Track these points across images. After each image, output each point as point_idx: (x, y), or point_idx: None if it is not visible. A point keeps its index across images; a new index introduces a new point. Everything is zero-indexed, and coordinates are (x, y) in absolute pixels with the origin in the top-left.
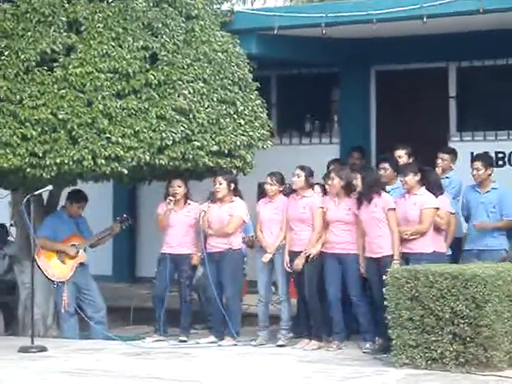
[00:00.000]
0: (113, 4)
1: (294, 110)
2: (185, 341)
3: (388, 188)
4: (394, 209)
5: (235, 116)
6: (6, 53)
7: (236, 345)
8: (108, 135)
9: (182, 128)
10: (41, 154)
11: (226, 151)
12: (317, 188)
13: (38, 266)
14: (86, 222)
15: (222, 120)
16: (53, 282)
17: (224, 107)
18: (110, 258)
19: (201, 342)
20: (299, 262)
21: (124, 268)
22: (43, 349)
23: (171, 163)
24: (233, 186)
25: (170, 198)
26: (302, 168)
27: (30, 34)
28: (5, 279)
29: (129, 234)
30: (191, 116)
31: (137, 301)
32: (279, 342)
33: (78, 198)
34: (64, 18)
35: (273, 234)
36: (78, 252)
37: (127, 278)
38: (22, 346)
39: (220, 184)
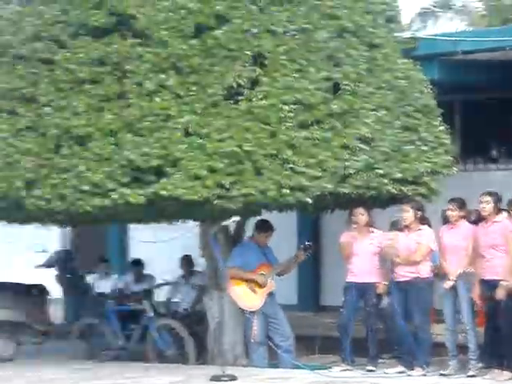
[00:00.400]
0: (296, 36)
1: (478, 135)
2: (373, 370)
3: None
4: None
5: (418, 143)
6: (194, 88)
7: (425, 375)
8: (292, 165)
9: (365, 156)
10: (228, 186)
11: (410, 178)
12: (504, 214)
13: (230, 297)
14: (272, 251)
15: (405, 147)
16: (244, 311)
17: (407, 134)
18: (294, 287)
19: (389, 372)
20: (501, 293)
21: (309, 297)
22: (233, 378)
23: (355, 192)
24: (419, 213)
25: (354, 226)
26: (490, 194)
27: (216, 68)
28: (195, 310)
29: (313, 263)
30: (374, 144)
31: (321, 329)
32: (470, 373)
33: (266, 227)
34: (249, 52)
35: (455, 261)
36: (267, 281)
37: (312, 307)
38: (213, 375)
39: (406, 212)
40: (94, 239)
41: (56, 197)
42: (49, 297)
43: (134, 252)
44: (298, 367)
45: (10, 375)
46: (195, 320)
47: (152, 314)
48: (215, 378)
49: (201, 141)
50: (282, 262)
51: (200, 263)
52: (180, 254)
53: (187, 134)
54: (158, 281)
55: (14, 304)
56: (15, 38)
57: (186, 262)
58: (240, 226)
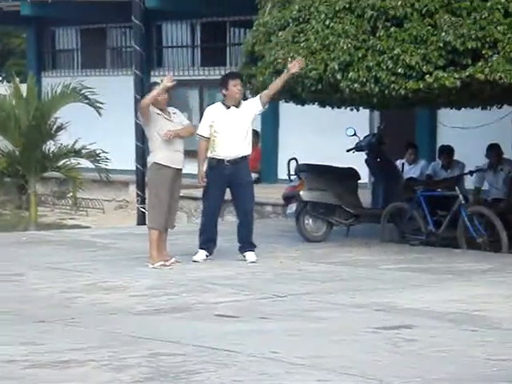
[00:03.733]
0: None
1: None
2: None
3: None
4: None
5: None
6: None
7: None
8: None
9: None
10: None
11: None
12: None
13: None
14: None
15: None
16: None
17: None
18: None
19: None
20: None
21: None
22: None
23: None
24: None
25: None
26: None
27: None
28: (509, 198)
29: None
30: None
31: None
32: None
33: None
34: None
35: None
36: None
37: None
38: None
39: None
40: (403, 124)
41: (371, 79)
42: (359, 181)
43: (443, 138)
44: None
45: (322, 254)
46: (507, 208)
47: (463, 201)
48: None
49: None
50: None
51: (508, 150)
52: (491, 141)
53: (507, 14)
54: (468, 168)
55: (327, 186)
56: None
57: (494, 150)
58: None
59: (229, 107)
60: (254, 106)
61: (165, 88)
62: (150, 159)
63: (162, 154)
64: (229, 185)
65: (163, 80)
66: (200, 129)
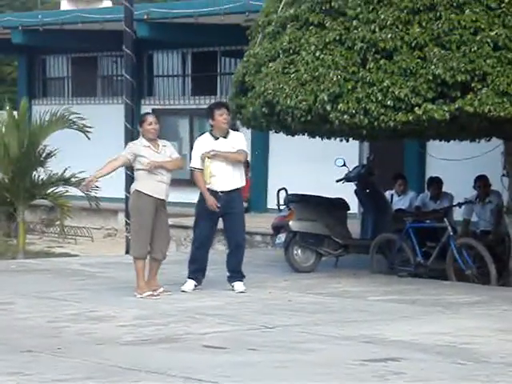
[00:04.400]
0: None
1: None
2: None
3: None
4: None
5: None
6: (507, 0)
7: None
8: None
9: None
10: None
11: None
12: None
13: None
14: None
15: None
16: None
17: None
18: None
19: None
20: None
21: None
22: None
23: None
24: None
25: None
26: None
27: None
28: (496, 230)
29: None
30: None
31: None
32: None
33: None
34: None
35: None
36: None
37: None
38: None
39: None
40: (392, 155)
41: (360, 111)
42: (348, 211)
43: (432, 169)
44: None
45: (311, 284)
46: (495, 240)
47: (452, 233)
48: None
49: (511, 55)
50: None
51: (496, 183)
52: (479, 173)
53: (497, 47)
54: (457, 200)
55: (317, 217)
56: None
57: (482, 181)
58: None
59: (217, 138)
60: (242, 145)
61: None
62: (133, 186)
63: (145, 183)
64: (221, 215)
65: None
66: (192, 161)
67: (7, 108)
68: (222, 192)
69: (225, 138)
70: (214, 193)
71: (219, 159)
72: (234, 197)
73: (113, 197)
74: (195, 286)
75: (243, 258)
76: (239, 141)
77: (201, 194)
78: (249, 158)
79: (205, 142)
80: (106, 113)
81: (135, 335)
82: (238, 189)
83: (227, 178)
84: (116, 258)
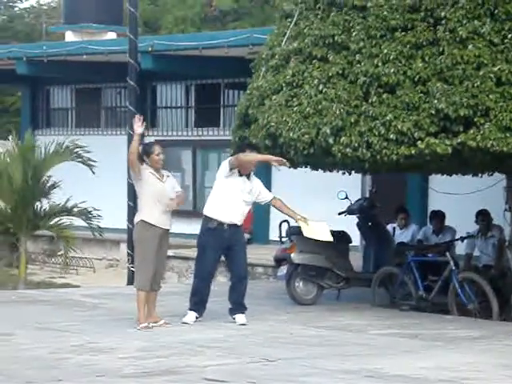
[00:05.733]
0: None
1: None
2: None
3: None
4: None
5: None
6: (510, 35)
7: None
8: None
9: None
10: None
11: None
12: None
13: None
14: None
15: None
16: None
17: None
18: None
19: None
20: None
21: None
22: None
23: None
24: None
25: None
26: None
27: None
28: (498, 265)
29: None
30: None
31: None
32: None
33: None
34: None
35: None
36: None
37: None
38: None
39: None
40: (394, 188)
41: (363, 144)
42: (350, 244)
43: (435, 203)
44: None
45: (312, 317)
46: (497, 275)
47: (454, 267)
48: None
49: None
50: None
51: (498, 217)
52: (482, 207)
53: (500, 83)
54: (459, 234)
55: (318, 249)
56: None
57: (484, 216)
58: None
59: (241, 175)
60: (263, 196)
61: (137, 135)
62: (137, 217)
63: (150, 213)
64: (225, 248)
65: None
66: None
67: (12, 138)
68: (228, 225)
69: (247, 177)
70: (220, 224)
71: (237, 192)
72: (238, 230)
73: (115, 227)
74: (196, 317)
75: (246, 290)
76: (258, 189)
77: (202, 225)
78: None
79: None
80: (110, 144)
81: (136, 367)
82: (241, 226)
83: (235, 212)
84: (117, 289)
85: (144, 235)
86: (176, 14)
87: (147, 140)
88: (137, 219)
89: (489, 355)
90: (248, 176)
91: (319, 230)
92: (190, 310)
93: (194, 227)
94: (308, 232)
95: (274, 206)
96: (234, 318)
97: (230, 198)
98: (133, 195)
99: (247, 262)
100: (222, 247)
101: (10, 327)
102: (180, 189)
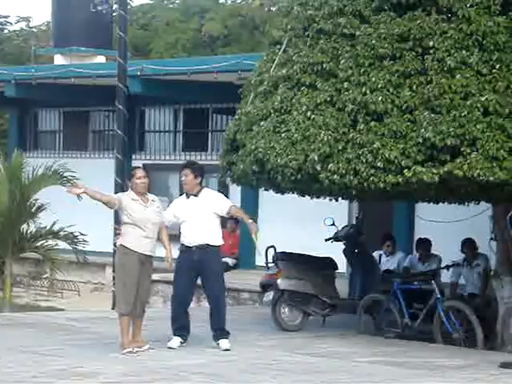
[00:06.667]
0: None
1: None
2: None
3: None
4: None
5: None
6: (497, 66)
7: None
8: None
9: None
10: None
11: None
12: None
13: None
14: None
15: None
16: None
17: None
18: None
19: None
20: None
21: None
22: None
23: None
24: None
25: None
26: None
27: None
28: (484, 294)
29: None
30: None
31: None
32: None
33: None
34: None
35: None
36: None
37: None
38: (503, 362)
39: None
40: (381, 215)
41: (350, 172)
42: (337, 270)
43: (421, 230)
44: None
45: (297, 344)
46: (483, 304)
47: (439, 295)
48: (505, 365)
49: (501, 120)
50: None
51: (484, 246)
52: (467, 235)
53: (487, 113)
54: (445, 262)
55: (305, 276)
56: (319, 12)
57: (469, 245)
58: None
59: (188, 196)
60: (219, 206)
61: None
62: (119, 241)
63: (131, 239)
64: (198, 272)
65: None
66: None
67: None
68: (196, 247)
69: (195, 196)
70: (188, 247)
71: (190, 213)
72: (209, 254)
73: (100, 251)
74: (181, 342)
75: (225, 315)
76: (216, 202)
77: (179, 251)
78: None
79: (179, 200)
80: (97, 167)
81: None
82: (213, 246)
83: (195, 233)
84: (102, 313)
85: (124, 260)
86: (166, 39)
87: (135, 164)
88: (118, 243)
89: None
90: (197, 193)
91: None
92: (174, 335)
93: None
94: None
95: (231, 214)
96: (217, 344)
97: (186, 220)
98: (118, 219)
99: (224, 287)
100: (193, 270)
101: None
102: (162, 217)
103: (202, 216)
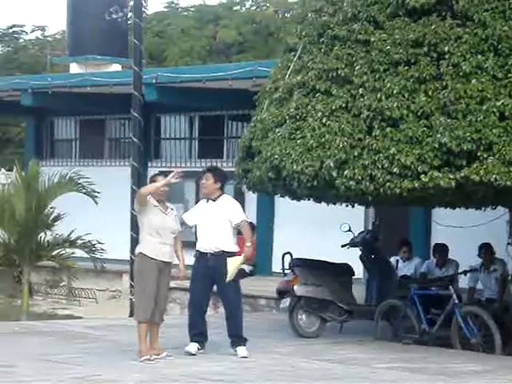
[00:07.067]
0: None
1: None
2: None
3: None
4: None
5: None
6: None
7: None
8: None
9: None
10: None
11: None
12: None
13: None
14: None
15: None
16: None
17: None
18: None
19: None
20: None
21: None
22: None
23: None
24: None
25: None
26: None
27: None
28: (502, 299)
29: None
30: None
31: None
32: None
33: None
34: None
35: None
36: None
37: None
38: None
39: None
40: (397, 221)
41: (366, 178)
42: (354, 276)
43: (438, 236)
44: None
45: (315, 350)
46: (500, 309)
47: (457, 301)
48: None
49: None
50: None
51: (501, 251)
52: (484, 240)
53: (503, 117)
54: (462, 267)
55: (322, 282)
56: (334, 18)
57: (486, 249)
58: None
59: (207, 200)
60: (233, 215)
61: (168, 183)
62: (138, 249)
63: (150, 246)
64: (213, 278)
65: (169, 175)
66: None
67: (16, 169)
68: (211, 254)
69: (214, 201)
70: (202, 254)
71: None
72: (222, 260)
73: (118, 258)
74: (198, 349)
75: (242, 322)
76: (231, 211)
77: (194, 257)
78: (254, 221)
79: (199, 203)
80: (113, 175)
81: None
82: (228, 252)
83: (209, 239)
84: (120, 321)
85: (143, 267)
86: (181, 47)
87: (151, 171)
88: (137, 251)
89: None
90: (215, 199)
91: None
92: (192, 341)
93: None
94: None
95: (240, 228)
96: (235, 351)
97: (202, 225)
98: (136, 226)
99: (240, 294)
100: (208, 277)
101: (12, 359)
102: (178, 226)
103: (216, 221)
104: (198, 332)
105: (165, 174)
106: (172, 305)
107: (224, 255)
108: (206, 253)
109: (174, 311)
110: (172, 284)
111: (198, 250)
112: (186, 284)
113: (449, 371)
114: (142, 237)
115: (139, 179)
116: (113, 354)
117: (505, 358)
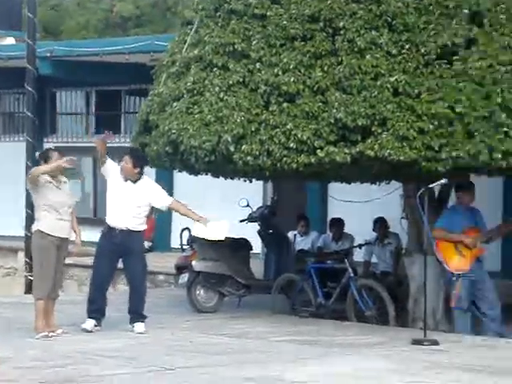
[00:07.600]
0: None
1: None
2: None
3: None
4: None
5: None
6: (407, 46)
7: None
8: (506, 129)
9: None
10: (437, 148)
11: None
12: None
13: (437, 258)
14: (481, 216)
15: None
16: (452, 274)
17: None
18: (498, 254)
19: None
20: None
21: None
22: (435, 342)
23: None
24: None
25: None
26: None
27: (431, 27)
28: (396, 272)
29: None
30: None
31: None
32: None
33: (469, 186)
34: (466, 11)
35: None
36: (476, 244)
37: None
38: (415, 339)
39: None
40: (295, 196)
41: (263, 153)
42: (251, 251)
43: (334, 211)
44: (503, 336)
45: (213, 325)
46: (395, 282)
47: (352, 274)
48: (417, 342)
49: (410, 101)
50: (491, 228)
51: (395, 225)
52: (380, 215)
53: (396, 93)
54: (358, 241)
55: (220, 257)
56: None
57: (381, 223)
58: (447, 189)
59: (126, 180)
60: (157, 200)
61: (59, 168)
62: (34, 226)
63: (46, 222)
64: (120, 254)
65: (62, 151)
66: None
67: None
68: (119, 231)
69: (133, 182)
70: (111, 229)
71: (122, 197)
72: (131, 236)
73: (12, 235)
74: (95, 325)
75: (144, 299)
76: (154, 194)
77: (101, 233)
78: None
79: (117, 175)
80: (8, 150)
81: (32, 377)
82: (136, 232)
83: (122, 217)
84: (15, 298)
85: (41, 244)
86: (77, 20)
87: (47, 146)
88: (34, 229)
89: (385, 361)
90: (135, 181)
91: (215, 230)
92: (89, 317)
93: (94, 235)
94: (198, 231)
95: (172, 209)
96: (133, 327)
97: (117, 202)
98: (31, 203)
99: (145, 270)
100: (115, 253)
101: None
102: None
103: (133, 202)
104: (96, 308)
105: (59, 149)
106: (69, 281)
107: (132, 233)
108: (116, 228)
109: (71, 288)
110: (70, 261)
111: (107, 224)
112: (86, 261)
113: (344, 343)
114: (38, 214)
115: (34, 154)
116: (8, 332)
117: (398, 329)
